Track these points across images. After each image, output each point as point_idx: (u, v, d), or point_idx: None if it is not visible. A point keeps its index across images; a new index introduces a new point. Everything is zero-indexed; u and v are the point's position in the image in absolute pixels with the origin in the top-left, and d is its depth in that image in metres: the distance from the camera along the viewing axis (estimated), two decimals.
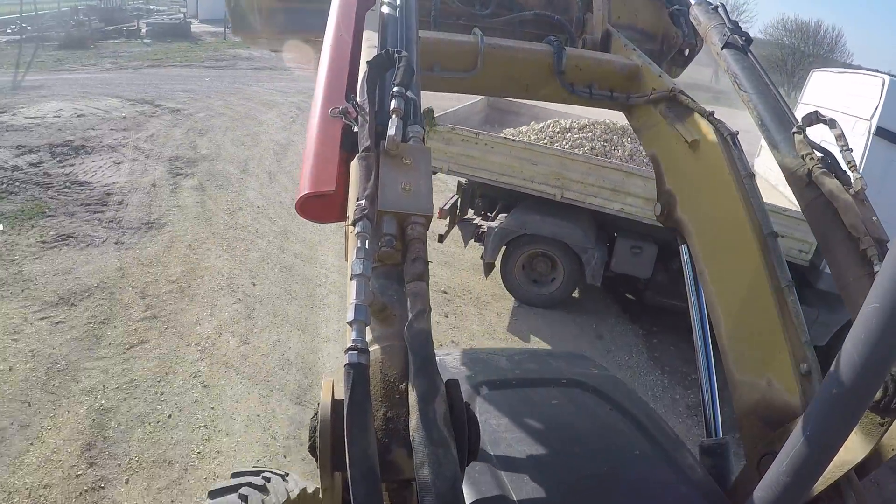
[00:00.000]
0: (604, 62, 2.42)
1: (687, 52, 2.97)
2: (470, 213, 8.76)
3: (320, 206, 1.36)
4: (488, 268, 8.15)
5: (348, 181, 1.32)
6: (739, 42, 2.12)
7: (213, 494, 2.69)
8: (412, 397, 0.93)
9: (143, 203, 10.23)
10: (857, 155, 6.95)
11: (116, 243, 8.73)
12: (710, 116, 2.01)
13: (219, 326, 7.15)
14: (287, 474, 3.05)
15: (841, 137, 1.68)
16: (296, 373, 6.57)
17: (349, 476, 0.86)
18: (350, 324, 0.94)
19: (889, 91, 6.28)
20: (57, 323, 6.84)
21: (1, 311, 6.90)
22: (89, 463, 5.07)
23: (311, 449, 1.04)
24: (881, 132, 6.27)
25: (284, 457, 5.40)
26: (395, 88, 1.26)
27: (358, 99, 1.33)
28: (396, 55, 1.35)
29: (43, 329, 6.70)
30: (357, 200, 1.12)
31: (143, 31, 35.12)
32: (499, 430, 1.79)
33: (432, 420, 0.89)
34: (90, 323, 6.88)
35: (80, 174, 11.24)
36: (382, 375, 1.02)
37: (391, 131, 1.17)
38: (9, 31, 31.27)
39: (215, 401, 5.94)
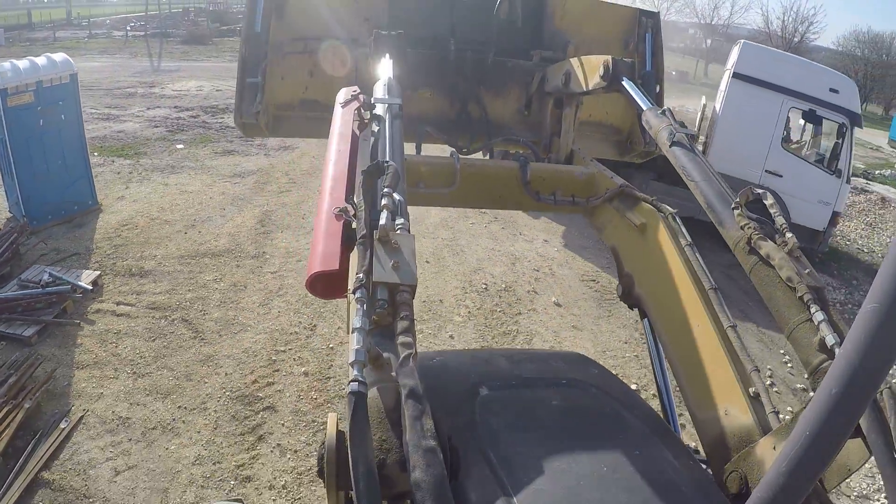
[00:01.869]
0: (563, 172, 2.68)
1: (648, 151, 3.45)
2: None
3: (326, 284, 1.66)
4: None
5: (348, 268, 1.62)
6: (685, 139, 2.28)
7: None
8: (404, 417, 1.13)
9: (279, 138, 14.33)
10: (721, 90, 10.51)
11: (265, 154, 12.90)
12: (652, 202, 2.28)
13: None
14: None
15: (773, 206, 1.89)
16: None
17: (353, 483, 1.03)
18: (351, 364, 1.16)
19: (742, 49, 9.74)
20: (235, 183, 10.89)
21: (198, 178, 11.02)
22: (261, 225, 8.98)
23: (320, 473, 1.31)
24: (736, 75, 9.69)
25: None
26: (385, 190, 1.52)
27: (356, 199, 1.66)
28: (386, 165, 1.63)
29: (227, 185, 10.76)
30: (356, 274, 1.36)
31: None
32: (498, 431, 1.73)
33: (421, 432, 1.09)
34: (256, 183, 10.91)
35: (230, 123, 15.22)
36: (379, 408, 1.29)
37: (382, 222, 1.41)
38: (128, 27, 34.54)
39: None
